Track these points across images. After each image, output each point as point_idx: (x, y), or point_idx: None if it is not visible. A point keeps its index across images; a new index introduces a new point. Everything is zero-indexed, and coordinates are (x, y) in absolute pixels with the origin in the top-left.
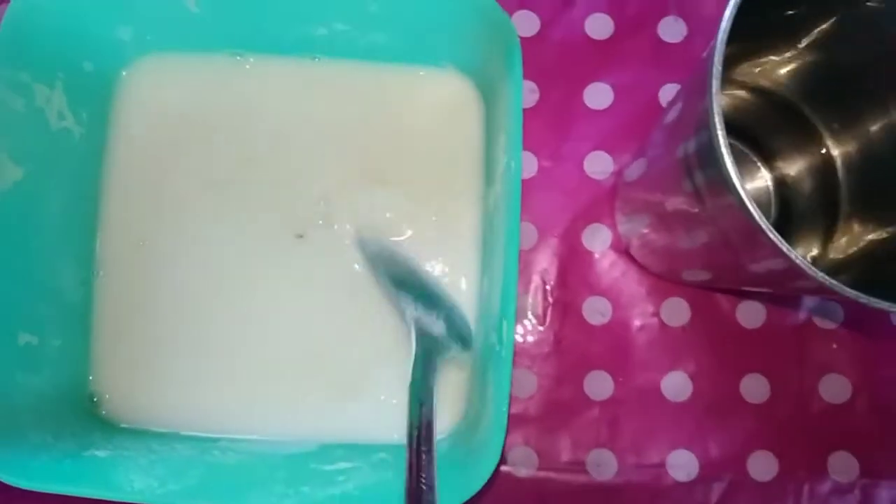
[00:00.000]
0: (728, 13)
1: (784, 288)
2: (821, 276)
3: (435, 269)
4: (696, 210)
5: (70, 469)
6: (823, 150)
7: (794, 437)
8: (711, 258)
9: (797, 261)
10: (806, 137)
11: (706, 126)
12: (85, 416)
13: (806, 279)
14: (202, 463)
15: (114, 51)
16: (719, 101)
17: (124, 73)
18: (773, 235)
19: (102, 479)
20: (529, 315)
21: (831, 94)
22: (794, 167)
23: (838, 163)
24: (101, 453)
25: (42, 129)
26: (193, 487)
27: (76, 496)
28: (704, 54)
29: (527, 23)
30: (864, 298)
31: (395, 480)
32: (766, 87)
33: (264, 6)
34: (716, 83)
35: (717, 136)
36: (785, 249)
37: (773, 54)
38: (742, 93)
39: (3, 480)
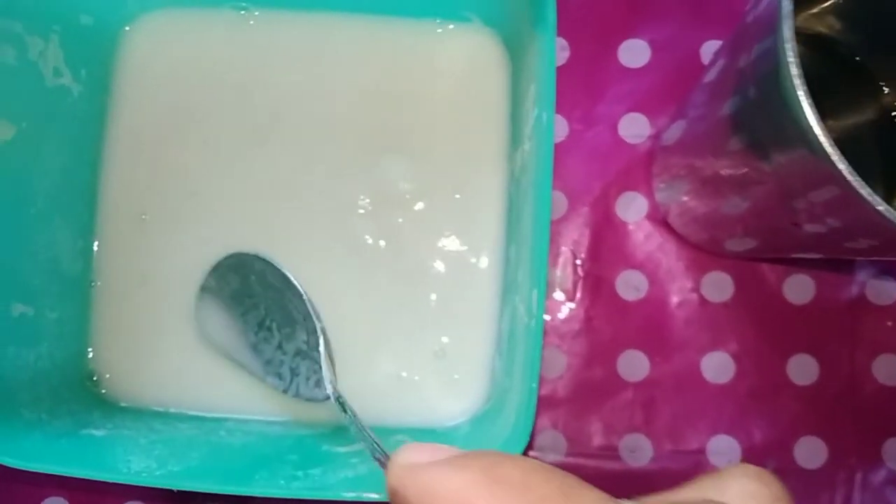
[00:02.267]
0: None
1: (840, 249)
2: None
3: (452, 244)
4: (747, 169)
5: (65, 448)
6: (884, 107)
7: (845, 422)
8: (762, 221)
9: (882, 208)
10: (864, 91)
11: (773, 71)
12: (83, 393)
13: (878, 233)
14: (206, 443)
15: (114, 5)
16: (793, 35)
17: (127, 29)
18: (857, 180)
19: (99, 460)
20: (558, 290)
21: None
22: (850, 125)
23: None
24: (99, 432)
25: (36, 84)
26: (195, 468)
27: (71, 476)
28: (754, 3)
29: None
30: None
31: None
32: (823, 34)
33: None
34: (788, 25)
35: (792, 82)
36: (869, 196)
37: None
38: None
39: None
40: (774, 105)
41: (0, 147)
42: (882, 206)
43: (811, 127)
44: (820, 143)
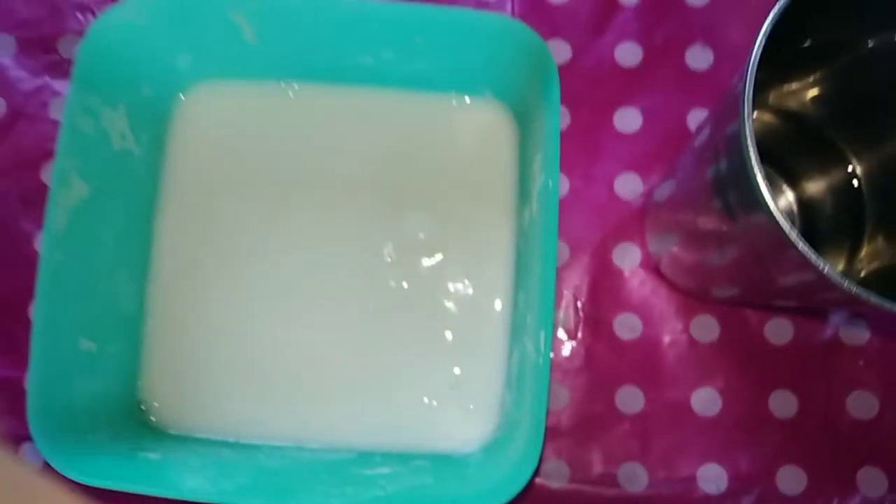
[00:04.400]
0: (758, 42)
1: (813, 300)
2: (849, 284)
3: (465, 289)
4: (726, 228)
5: (128, 468)
6: (848, 170)
7: (823, 453)
8: (741, 273)
9: (827, 271)
10: (830, 158)
11: (738, 149)
12: (135, 420)
13: (836, 290)
14: (249, 466)
15: (172, 77)
16: (752, 126)
17: (182, 98)
18: (805, 247)
19: (159, 478)
20: (561, 330)
21: (857, 117)
22: (817, 186)
23: (863, 183)
24: (153, 455)
25: (106, 148)
26: (245, 487)
27: (134, 493)
28: (734, 81)
29: (559, 51)
30: (891, 305)
31: (435, 485)
32: (792, 110)
33: (318, 37)
34: (748, 109)
35: (750, 159)
36: (815, 261)
37: (801, 78)
38: (767, 115)
39: (71, 477)
40: (741, 177)
41: (77, 204)
42: (826, 269)
43: (764, 199)
44: (770, 211)
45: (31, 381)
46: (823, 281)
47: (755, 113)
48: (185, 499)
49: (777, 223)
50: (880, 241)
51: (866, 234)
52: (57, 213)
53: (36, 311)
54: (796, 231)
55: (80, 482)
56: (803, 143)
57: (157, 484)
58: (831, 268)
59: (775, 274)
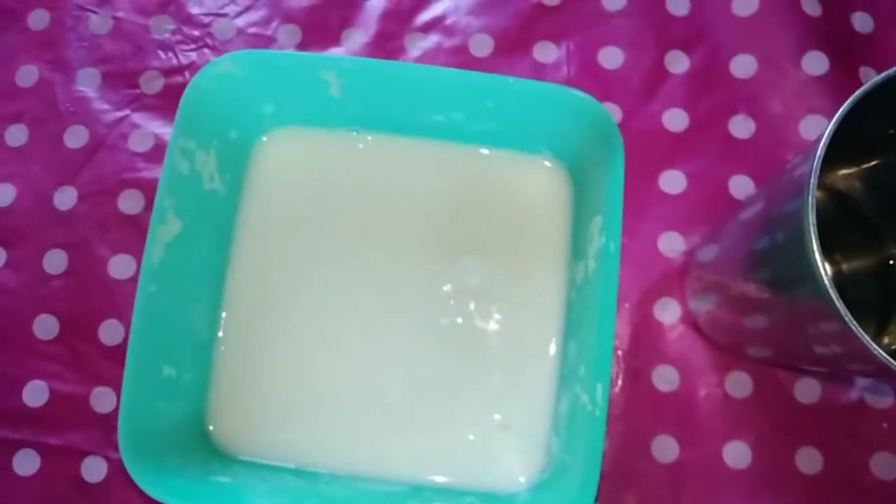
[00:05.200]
0: (824, 139)
1: (843, 368)
2: (888, 359)
3: (515, 333)
4: (768, 296)
5: (205, 491)
6: (885, 251)
7: None
8: (777, 338)
9: (872, 347)
10: (868, 239)
11: (796, 227)
12: (205, 445)
13: (871, 362)
14: (312, 494)
15: (257, 123)
16: (814, 208)
17: (264, 140)
18: (853, 325)
19: (234, 500)
20: None
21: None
22: (853, 263)
23: None
24: (223, 479)
25: (197, 188)
26: None
27: None
28: (794, 163)
29: (611, 114)
30: None
31: None
32: (840, 190)
33: (397, 96)
34: (811, 197)
35: (810, 241)
36: (862, 337)
37: (853, 164)
38: (818, 192)
39: (157, 498)
40: (795, 251)
41: (171, 239)
42: (872, 346)
43: (821, 277)
44: (826, 289)
45: (124, 406)
46: (863, 353)
47: None
48: None
49: (830, 299)
50: None
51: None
52: (154, 247)
53: (131, 339)
54: (845, 308)
55: (162, 501)
56: (845, 221)
57: None
58: (876, 347)
59: (813, 342)
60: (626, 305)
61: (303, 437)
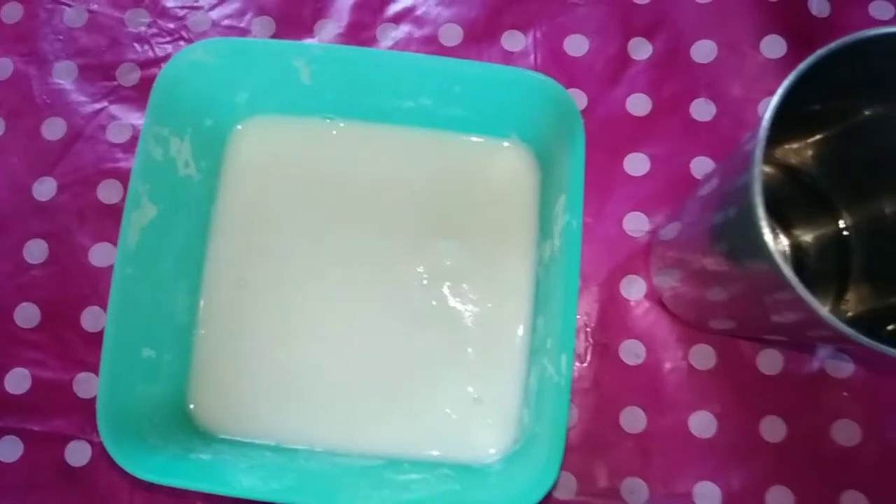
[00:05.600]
0: (770, 110)
1: (803, 337)
2: (842, 326)
3: (487, 312)
4: (727, 269)
5: (186, 468)
6: (839, 222)
7: (809, 476)
8: (737, 310)
9: (823, 313)
10: (823, 210)
11: (746, 201)
12: (185, 424)
13: (827, 329)
14: (292, 469)
15: (231, 111)
16: (760, 182)
17: (238, 128)
18: (802, 290)
19: (216, 477)
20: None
21: (851, 176)
22: (810, 234)
23: (851, 234)
24: (204, 456)
25: (172, 174)
26: (293, 488)
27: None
28: (744, 139)
29: (576, 99)
30: (877, 345)
31: (462, 491)
32: (792, 164)
33: (367, 83)
34: (758, 168)
35: (757, 210)
36: (812, 303)
37: (803, 139)
38: (769, 168)
39: (137, 476)
40: (746, 224)
41: (146, 224)
42: (822, 311)
43: (766, 246)
44: (772, 257)
45: (101, 387)
46: (817, 321)
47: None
48: (239, 496)
49: (778, 268)
50: (865, 287)
51: (852, 280)
52: (129, 232)
53: (108, 320)
54: (794, 275)
55: (144, 479)
56: (800, 194)
57: (216, 482)
58: (824, 309)
59: (771, 311)
60: (594, 284)
61: (282, 415)
